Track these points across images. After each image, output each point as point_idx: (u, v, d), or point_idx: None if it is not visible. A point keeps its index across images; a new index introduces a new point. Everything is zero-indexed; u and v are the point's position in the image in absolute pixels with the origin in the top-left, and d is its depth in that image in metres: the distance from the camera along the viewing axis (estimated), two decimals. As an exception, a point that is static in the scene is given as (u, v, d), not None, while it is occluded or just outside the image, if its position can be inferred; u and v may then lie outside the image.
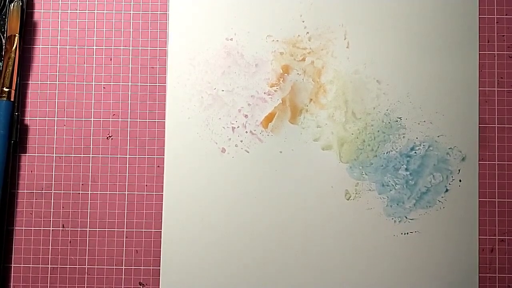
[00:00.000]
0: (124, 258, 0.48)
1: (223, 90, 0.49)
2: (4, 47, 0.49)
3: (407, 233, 0.47)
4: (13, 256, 0.48)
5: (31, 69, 0.50)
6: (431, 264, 0.47)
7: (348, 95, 0.47)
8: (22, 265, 0.48)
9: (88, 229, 0.48)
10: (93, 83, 0.50)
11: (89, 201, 0.49)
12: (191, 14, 0.50)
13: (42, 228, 0.49)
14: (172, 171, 0.48)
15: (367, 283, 0.47)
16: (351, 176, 0.47)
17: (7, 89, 0.48)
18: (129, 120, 0.49)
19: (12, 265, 0.48)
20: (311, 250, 0.47)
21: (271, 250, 0.47)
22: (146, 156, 0.49)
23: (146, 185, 0.49)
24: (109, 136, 0.49)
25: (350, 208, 0.47)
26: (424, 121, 0.47)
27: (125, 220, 0.48)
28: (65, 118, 0.49)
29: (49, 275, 0.48)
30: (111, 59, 0.50)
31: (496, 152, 0.49)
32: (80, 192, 0.49)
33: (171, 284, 0.47)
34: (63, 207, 0.49)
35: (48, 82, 0.50)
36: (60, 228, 0.49)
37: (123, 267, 0.48)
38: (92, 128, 0.49)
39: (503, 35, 0.49)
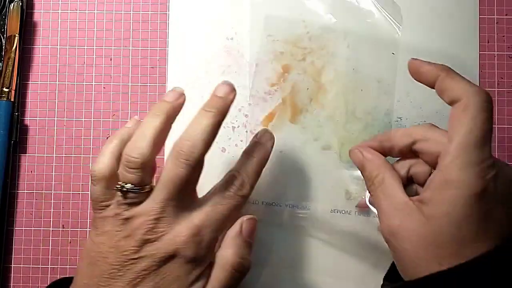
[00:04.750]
0: (124, 258, 0.48)
1: (223, 90, 0.48)
2: (4, 47, 0.49)
3: (407, 233, 0.47)
4: (13, 256, 0.48)
5: (31, 69, 0.50)
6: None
7: (348, 94, 0.47)
8: (22, 265, 0.48)
9: (88, 229, 0.48)
10: (93, 83, 0.50)
11: (89, 202, 0.49)
12: (191, 14, 0.49)
13: (42, 229, 0.48)
14: (172, 171, 0.48)
15: (367, 282, 0.47)
16: (351, 176, 0.47)
17: (7, 89, 0.48)
18: (129, 120, 0.49)
19: (12, 265, 0.48)
20: (312, 250, 0.47)
21: (270, 250, 0.47)
22: (146, 156, 0.49)
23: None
24: (109, 136, 0.49)
25: (350, 208, 0.47)
26: (424, 121, 0.47)
27: (125, 220, 0.48)
28: (65, 118, 0.49)
29: (49, 275, 0.48)
30: (111, 59, 0.50)
31: (496, 153, 0.49)
32: (80, 192, 0.49)
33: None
34: (63, 207, 0.49)
35: (48, 82, 0.50)
36: (60, 229, 0.48)
37: (123, 267, 0.48)
38: (92, 128, 0.49)
39: (503, 36, 0.49)
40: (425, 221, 0.37)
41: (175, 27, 0.50)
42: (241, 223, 0.42)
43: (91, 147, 0.49)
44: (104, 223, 0.39)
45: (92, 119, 0.49)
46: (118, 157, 0.40)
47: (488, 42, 0.49)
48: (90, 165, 0.49)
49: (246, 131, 0.48)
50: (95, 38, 0.50)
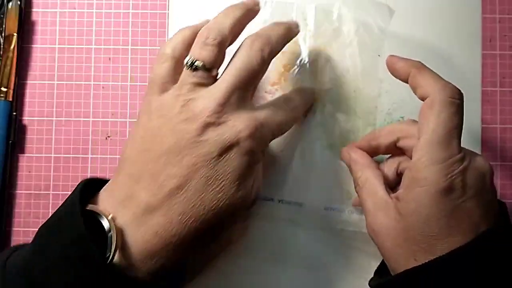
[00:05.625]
0: (123, 259, 0.48)
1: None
2: (2, 46, 0.48)
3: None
4: (10, 257, 0.48)
5: (29, 68, 0.49)
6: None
7: (350, 94, 0.47)
8: (19, 267, 0.48)
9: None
10: (92, 82, 0.49)
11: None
12: (191, 13, 0.49)
13: (40, 229, 0.48)
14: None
15: (362, 276, 0.46)
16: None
17: (5, 89, 0.48)
18: (128, 120, 0.49)
19: (10, 266, 0.48)
20: (313, 250, 0.47)
21: (271, 250, 0.47)
22: (146, 157, 0.48)
23: (146, 186, 0.48)
24: (108, 137, 0.49)
25: (351, 208, 0.46)
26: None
27: (124, 221, 0.48)
28: (63, 118, 0.49)
29: (47, 276, 0.48)
30: (110, 59, 0.49)
31: (498, 153, 0.48)
32: (79, 193, 0.48)
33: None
34: (61, 208, 0.48)
35: (47, 82, 0.49)
36: (58, 229, 0.48)
37: (122, 268, 0.48)
38: (90, 128, 0.49)
39: (505, 35, 0.49)
40: (399, 218, 0.37)
41: (175, 26, 0.49)
42: None
43: (90, 147, 0.49)
44: (161, 106, 0.37)
45: (91, 119, 0.49)
46: (188, 46, 0.39)
47: (490, 41, 0.49)
48: (89, 165, 0.48)
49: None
50: (93, 38, 0.50)
